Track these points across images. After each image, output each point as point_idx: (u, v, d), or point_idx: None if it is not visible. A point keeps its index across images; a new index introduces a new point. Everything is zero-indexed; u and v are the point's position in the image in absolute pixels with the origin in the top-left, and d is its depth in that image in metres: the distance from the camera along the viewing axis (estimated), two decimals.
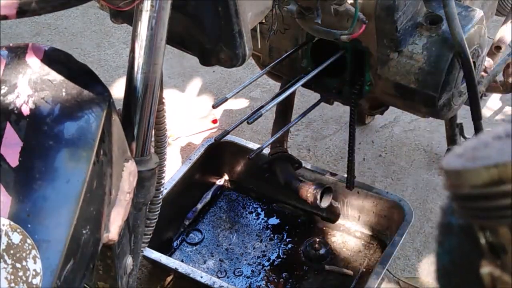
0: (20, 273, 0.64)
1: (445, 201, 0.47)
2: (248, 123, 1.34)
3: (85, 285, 0.84)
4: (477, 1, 1.57)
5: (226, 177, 1.90)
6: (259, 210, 1.84)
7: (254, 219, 1.81)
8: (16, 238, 0.65)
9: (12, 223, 0.65)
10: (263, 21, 1.14)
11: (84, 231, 0.72)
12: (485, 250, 0.42)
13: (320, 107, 1.77)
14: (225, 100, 1.38)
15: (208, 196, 1.85)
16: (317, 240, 1.73)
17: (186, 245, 1.74)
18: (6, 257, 0.64)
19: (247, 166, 1.85)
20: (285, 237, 1.76)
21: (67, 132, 0.72)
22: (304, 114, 1.59)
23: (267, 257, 1.71)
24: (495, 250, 0.42)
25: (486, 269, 0.43)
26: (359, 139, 2.02)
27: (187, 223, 1.78)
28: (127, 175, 0.82)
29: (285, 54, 1.49)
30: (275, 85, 1.98)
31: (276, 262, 1.70)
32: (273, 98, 1.44)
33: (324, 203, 1.54)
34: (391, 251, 1.55)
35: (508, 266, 0.41)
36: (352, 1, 1.27)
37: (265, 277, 1.66)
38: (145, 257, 1.53)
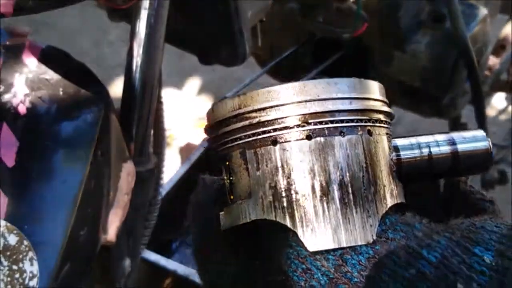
0: (17, 275, 0.63)
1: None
2: None
3: None
4: None
5: None
6: None
7: None
8: (12, 239, 0.64)
9: (8, 224, 0.64)
10: (264, 19, 1.13)
11: (81, 233, 0.71)
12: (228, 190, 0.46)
13: None
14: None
15: None
16: None
17: (185, 246, 1.73)
18: (2, 259, 0.63)
19: None
20: None
21: (64, 132, 0.71)
22: None
23: None
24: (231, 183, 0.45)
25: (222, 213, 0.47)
26: None
27: (186, 224, 1.76)
28: (125, 176, 0.81)
29: (286, 53, 1.48)
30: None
31: None
32: None
33: None
34: None
35: (237, 193, 0.44)
36: None
37: None
38: (143, 259, 1.52)
